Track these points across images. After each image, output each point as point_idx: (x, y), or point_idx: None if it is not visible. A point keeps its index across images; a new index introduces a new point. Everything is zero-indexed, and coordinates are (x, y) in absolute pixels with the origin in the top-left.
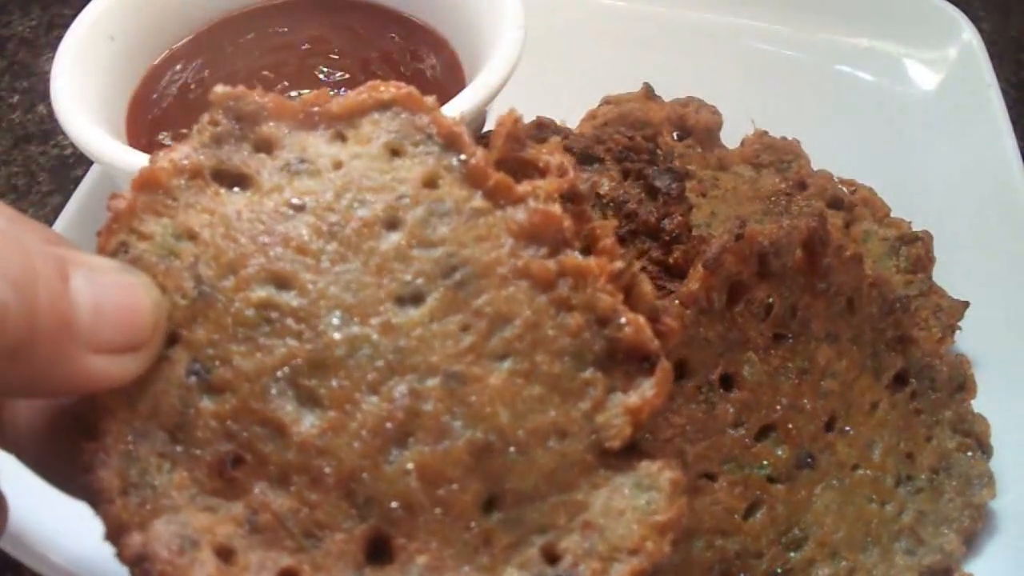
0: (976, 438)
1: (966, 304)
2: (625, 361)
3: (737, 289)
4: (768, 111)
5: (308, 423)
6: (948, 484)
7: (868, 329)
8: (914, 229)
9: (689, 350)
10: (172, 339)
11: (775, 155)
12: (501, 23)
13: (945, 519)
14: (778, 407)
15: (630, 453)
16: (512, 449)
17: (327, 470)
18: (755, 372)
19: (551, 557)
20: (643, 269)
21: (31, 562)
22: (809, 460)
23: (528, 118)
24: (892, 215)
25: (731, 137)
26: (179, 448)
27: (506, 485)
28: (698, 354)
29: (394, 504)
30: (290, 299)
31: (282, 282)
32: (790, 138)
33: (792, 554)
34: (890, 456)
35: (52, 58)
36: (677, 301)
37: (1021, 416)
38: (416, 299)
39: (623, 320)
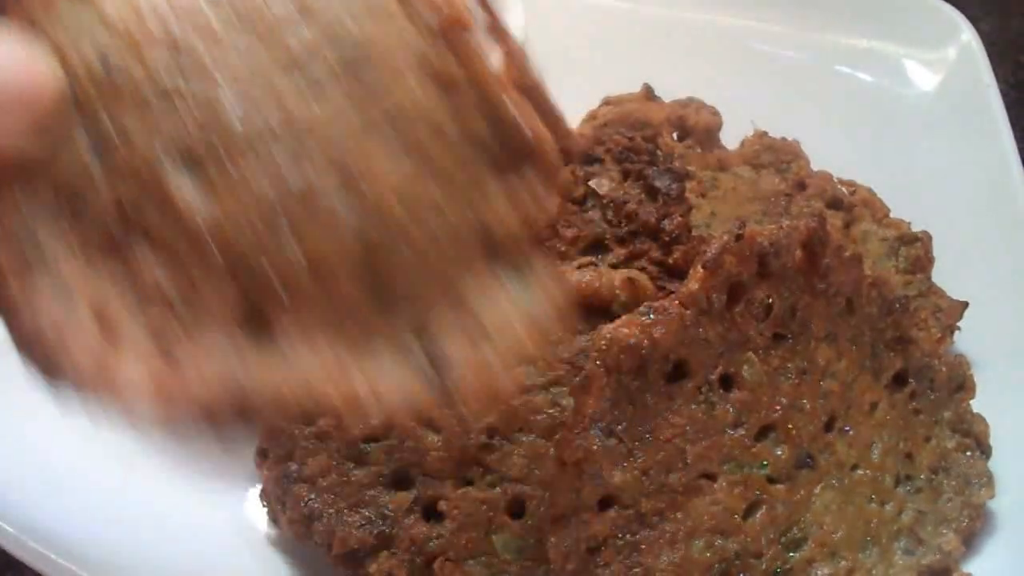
0: (975, 438)
1: (965, 304)
2: (522, 165)
3: (737, 289)
4: (768, 112)
5: (200, 204)
6: (947, 484)
7: (867, 329)
8: (913, 229)
9: (689, 350)
10: (71, 116)
11: (775, 156)
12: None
13: (944, 519)
14: (778, 407)
15: (520, 254)
16: (403, 246)
17: (215, 249)
18: (755, 372)
19: (427, 343)
20: (643, 269)
21: (31, 561)
22: (809, 460)
23: None
24: (891, 215)
25: (731, 138)
26: (70, 219)
27: (394, 280)
28: (698, 354)
29: (279, 289)
30: (190, 76)
31: (184, 58)
32: (790, 139)
33: (792, 554)
34: (889, 456)
35: None
36: (677, 301)
37: (1020, 416)
38: (316, 88)
39: (524, 126)
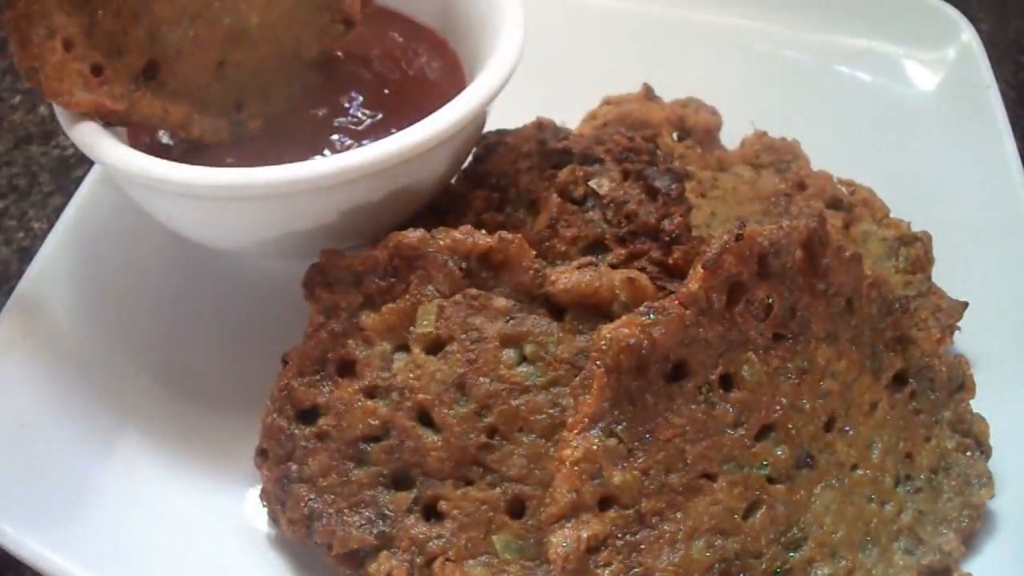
0: (975, 438)
1: (965, 304)
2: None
3: (737, 289)
4: (768, 111)
5: None
6: (947, 484)
7: (867, 329)
8: (913, 230)
9: (689, 350)
10: None
11: (775, 156)
12: (501, 24)
13: (944, 519)
14: (778, 407)
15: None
16: (253, 35)
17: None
18: (755, 372)
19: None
20: (643, 269)
21: (32, 561)
22: (809, 460)
23: (528, 118)
24: (891, 216)
25: (731, 137)
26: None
27: (239, 58)
28: (698, 354)
29: (167, 47)
30: None
31: None
32: (789, 139)
33: (792, 554)
34: (889, 456)
35: None
36: (677, 301)
37: (1020, 416)
38: None
39: None
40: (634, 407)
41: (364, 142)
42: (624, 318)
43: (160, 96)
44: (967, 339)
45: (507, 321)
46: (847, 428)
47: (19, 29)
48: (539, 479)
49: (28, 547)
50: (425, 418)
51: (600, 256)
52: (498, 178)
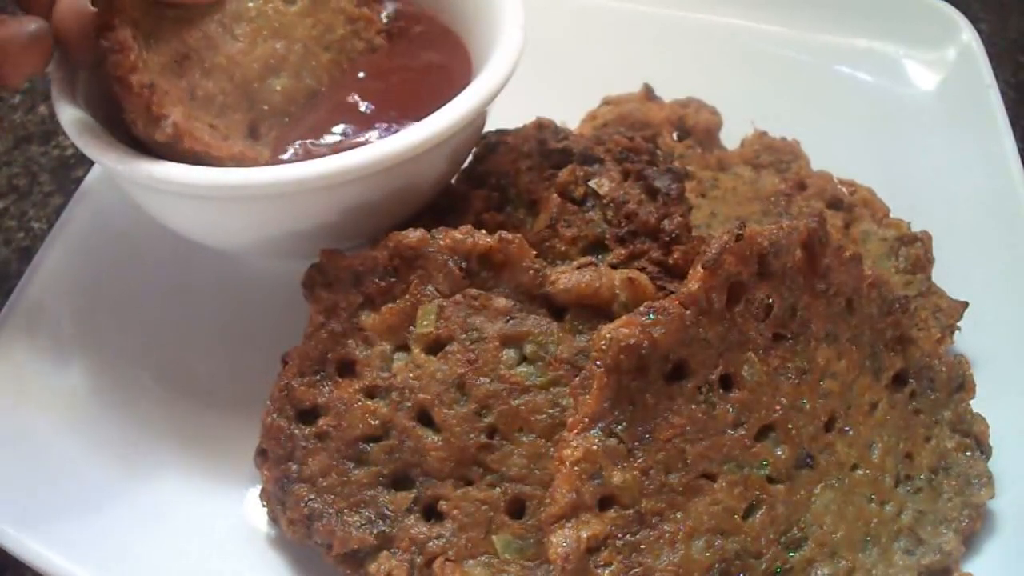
0: (975, 438)
1: (965, 304)
2: None
3: (737, 289)
4: (768, 111)
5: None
6: (947, 484)
7: (867, 329)
8: (913, 229)
9: (689, 350)
10: None
11: (775, 156)
12: (501, 24)
13: (944, 519)
14: (778, 407)
15: None
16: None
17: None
18: (755, 372)
19: None
20: (643, 269)
21: (32, 561)
22: (809, 460)
23: (528, 118)
24: (891, 215)
25: (731, 137)
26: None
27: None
28: (698, 354)
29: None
30: None
31: None
32: (790, 139)
33: (792, 554)
34: (889, 456)
35: (53, 59)
36: (677, 301)
37: (1020, 416)
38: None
39: None
40: (634, 407)
41: (369, 135)
42: (624, 318)
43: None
44: (967, 339)
45: (507, 321)
46: (847, 428)
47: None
48: (539, 479)
49: (28, 547)
50: (425, 418)
51: (600, 256)
52: (498, 178)
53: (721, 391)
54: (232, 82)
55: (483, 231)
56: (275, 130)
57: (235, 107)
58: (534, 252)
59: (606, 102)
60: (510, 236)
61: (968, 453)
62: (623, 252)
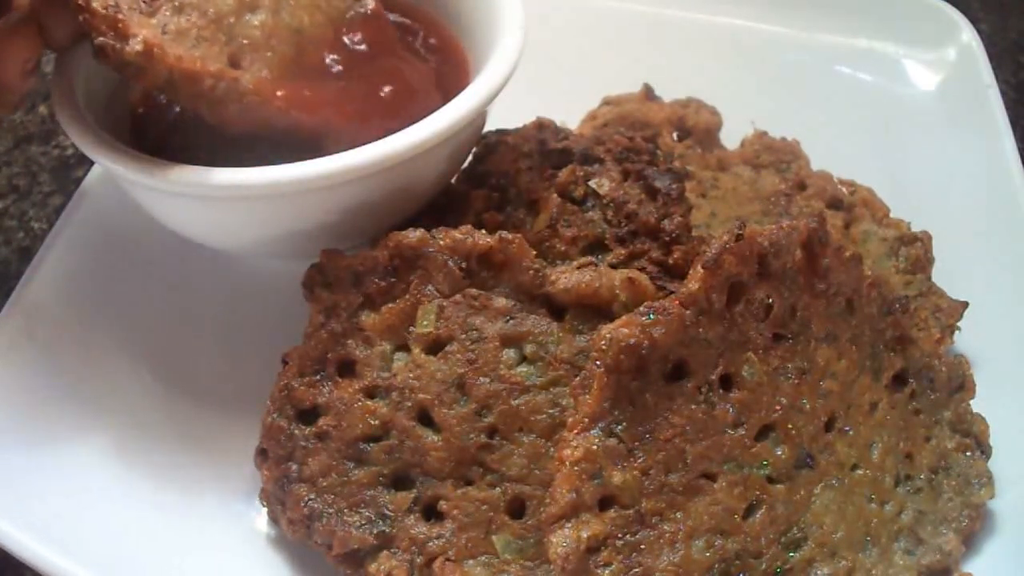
0: (975, 438)
1: (965, 304)
2: None
3: (737, 289)
4: (768, 111)
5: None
6: (947, 484)
7: (867, 329)
8: (913, 229)
9: (689, 350)
10: None
11: (775, 156)
12: (501, 24)
13: (944, 519)
14: (778, 407)
15: None
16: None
17: None
18: (755, 372)
19: None
20: (643, 269)
21: (32, 561)
22: (809, 460)
23: (528, 118)
24: (891, 215)
25: (731, 138)
26: None
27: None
28: (698, 354)
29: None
30: None
31: None
32: (790, 139)
33: (792, 554)
34: (889, 456)
35: (53, 59)
36: (677, 301)
37: (1020, 416)
38: None
39: None
40: (634, 407)
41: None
42: (624, 318)
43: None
44: (967, 339)
45: (507, 321)
46: (847, 428)
47: None
48: (539, 479)
49: (28, 547)
50: (425, 418)
51: (600, 256)
52: (498, 178)
53: (721, 391)
54: (206, 17)
55: (483, 231)
56: (260, 64)
57: (211, 40)
58: (534, 252)
59: (606, 102)
60: (510, 236)
61: (968, 453)
62: (623, 252)
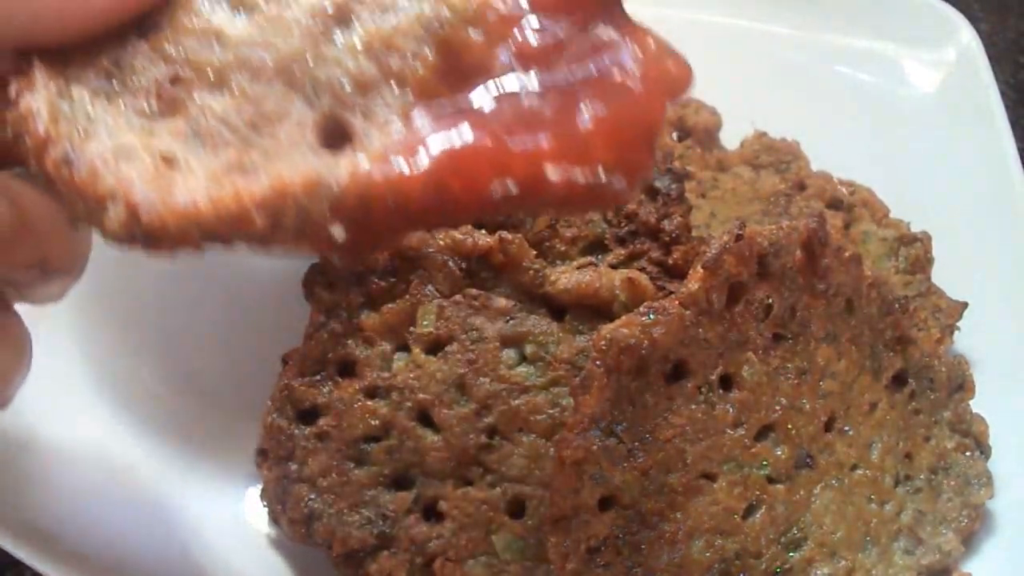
0: (975, 438)
1: (965, 305)
2: None
3: (736, 290)
4: (767, 112)
5: (242, 23)
6: (947, 484)
7: (867, 330)
8: (913, 230)
9: (689, 350)
10: None
11: (774, 156)
12: None
13: (944, 519)
14: (778, 407)
15: None
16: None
17: (267, 60)
18: (755, 372)
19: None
20: (643, 269)
21: (32, 561)
22: (808, 460)
23: None
24: (891, 216)
25: (731, 138)
26: (115, 82)
27: (461, 58)
28: (698, 354)
29: (344, 83)
30: None
31: None
32: (789, 139)
33: (791, 554)
34: (889, 456)
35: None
36: (677, 301)
37: (1020, 416)
38: None
39: None
40: (634, 407)
41: None
42: (624, 318)
43: None
44: (967, 339)
45: (507, 321)
46: (847, 428)
47: None
48: (539, 479)
49: (28, 547)
50: (425, 418)
51: (600, 256)
52: None
53: (721, 391)
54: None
55: (483, 231)
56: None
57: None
58: (534, 252)
59: None
60: (510, 236)
61: (968, 453)
62: (623, 252)
